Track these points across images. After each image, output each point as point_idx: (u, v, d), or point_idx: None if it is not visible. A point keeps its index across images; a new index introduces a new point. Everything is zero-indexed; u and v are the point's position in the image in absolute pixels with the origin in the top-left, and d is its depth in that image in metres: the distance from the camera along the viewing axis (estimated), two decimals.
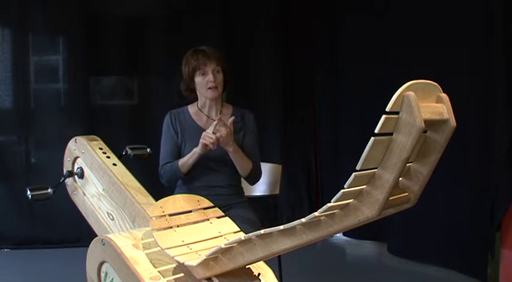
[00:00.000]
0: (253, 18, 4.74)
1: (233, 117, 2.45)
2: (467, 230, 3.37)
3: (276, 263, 2.84)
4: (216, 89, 2.52)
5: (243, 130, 2.60)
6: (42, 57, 4.53)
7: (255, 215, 2.56)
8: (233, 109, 2.64)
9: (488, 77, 3.19)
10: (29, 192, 2.15)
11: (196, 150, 2.43)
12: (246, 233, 1.48)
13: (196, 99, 2.63)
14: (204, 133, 2.40)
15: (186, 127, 2.58)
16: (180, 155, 2.56)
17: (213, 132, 2.39)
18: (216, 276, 1.47)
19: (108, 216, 2.00)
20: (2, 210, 4.35)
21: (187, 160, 2.48)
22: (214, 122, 2.40)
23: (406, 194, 1.29)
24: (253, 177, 2.60)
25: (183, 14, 4.60)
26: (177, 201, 1.73)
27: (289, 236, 1.29)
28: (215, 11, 4.64)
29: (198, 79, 2.52)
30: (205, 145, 2.39)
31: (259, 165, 2.63)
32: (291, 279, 2.90)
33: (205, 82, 2.51)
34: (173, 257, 1.51)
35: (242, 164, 2.52)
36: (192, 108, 2.64)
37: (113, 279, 1.65)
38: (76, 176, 2.17)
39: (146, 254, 1.64)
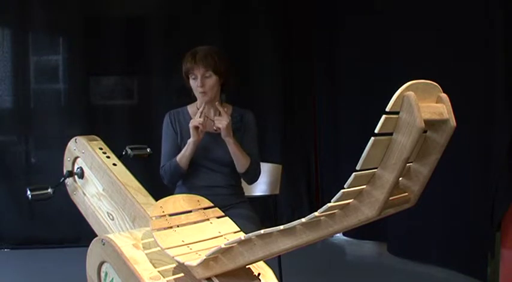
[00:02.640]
0: (253, 18, 4.74)
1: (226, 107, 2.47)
2: (467, 230, 3.37)
3: (276, 263, 2.84)
4: (205, 94, 2.51)
5: (242, 130, 2.60)
6: (42, 57, 4.53)
7: (255, 214, 2.56)
8: (233, 109, 2.65)
9: (488, 77, 3.19)
10: (29, 192, 2.15)
11: (190, 140, 2.46)
12: (246, 230, 1.48)
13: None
14: (191, 121, 2.45)
15: (185, 127, 2.58)
16: None
17: (211, 120, 2.45)
18: (216, 276, 1.47)
19: (108, 216, 2.00)
20: (2, 210, 4.35)
21: (183, 152, 2.49)
22: (201, 108, 2.46)
23: (406, 194, 1.29)
24: (252, 175, 2.59)
25: (183, 14, 4.60)
26: (177, 201, 1.73)
27: (289, 236, 1.29)
28: (215, 11, 4.64)
29: (191, 82, 2.55)
30: (195, 128, 2.43)
31: (259, 164, 2.63)
32: (291, 279, 2.90)
33: (195, 86, 2.52)
34: (173, 257, 1.51)
35: (241, 158, 2.51)
36: (191, 108, 2.64)
37: (113, 279, 1.65)
38: (76, 176, 2.17)
39: (146, 254, 1.64)
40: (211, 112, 2.61)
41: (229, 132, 2.44)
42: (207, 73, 2.50)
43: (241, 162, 2.52)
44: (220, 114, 2.49)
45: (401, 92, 1.09)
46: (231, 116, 2.60)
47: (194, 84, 2.52)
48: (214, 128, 2.57)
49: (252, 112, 2.67)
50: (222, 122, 2.43)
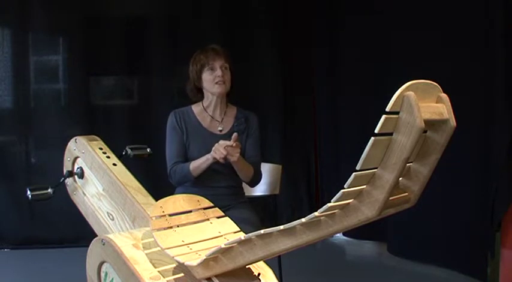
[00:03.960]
0: (253, 18, 4.74)
1: (235, 134, 2.41)
2: (467, 230, 3.37)
3: (276, 263, 2.84)
4: (224, 85, 2.54)
5: (246, 132, 2.61)
6: (42, 57, 4.53)
7: (255, 215, 2.56)
8: (237, 111, 2.65)
9: (488, 77, 3.19)
10: (29, 192, 2.15)
11: (210, 158, 2.43)
12: (245, 233, 1.48)
13: (201, 99, 2.64)
14: (216, 146, 2.38)
15: (191, 127, 2.58)
16: (186, 154, 2.57)
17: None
18: (216, 276, 1.47)
19: (108, 216, 2.00)
20: (2, 210, 4.35)
21: (199, 165, 2.47)
22: (229, 143, 2.36)
23: (406, 194, 1.29)
24: (255, 180, 2.62)
25: (183, 14, 4.60)
26: (177, 201, 1.73)
27: (289, 236, 1.29)
28: (215, 11, 4.64)
29: (205, 75, 2.53)
30: (215, 159, 2.41)
31: (260, 168, 2.64)
32: (291, 279, 2.90)
33: (213, 77, 2.52)
34: (173, 257, 1.51)
35: (244, 171, 2.53)
36: (196, 108, 2.64)
37: (113, 279, 1.65)
38: (76, 176, 2.17)
39: (146, 254, 1.64)
40: (217, 113, 2.61)
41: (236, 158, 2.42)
42: (225, 65, 2.54)
43: (245, 174, 2.55)
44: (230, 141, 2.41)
45: (401, 92, 1.09)
46: (236, 117, 2.62)
47: (211, 76, 2.52)
48: (220, 128, 2.58)
49: (256, 115, 2.68)
50: (233, 158, 2.39)
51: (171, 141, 2.59)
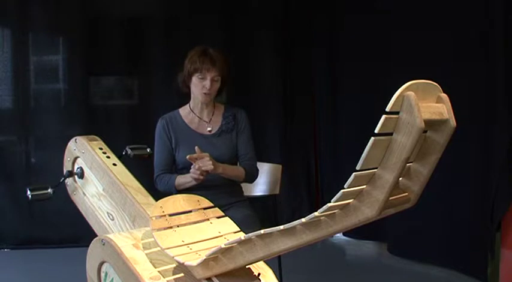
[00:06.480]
0: (254, 18, 4.74)
1: (196, 147, 2.42)
2: (467, 230, 3.37)
3: (276, 263, 2.84)
4: (209, 95, 2.56)
5: (235, 129, 2.62)
6: (42, 57, 4.53)
7: (255, 214, 2.57)
8: (225, 109, 2.67)
9: (488, 77, 3.19)
10: (29, 192, 2.15)
11: (193, 181, 2.46)
12: (245, 233, 1.48)
13: (189, 94, 2.65)
14: (191, 171, 2.42)
15: (179, 131, 2.60)
16: (174, 161, 2.60)
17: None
18: (216, 276, 1.47)
19: (108, 216, 2.00)
20: (2, 210, 4.35)
21: (184, 183, 2.51)
22: (195, 155, 2.39)
23: (406, 194, 1.29)
24: (249, 178, 2.64)
25: (183, 14, 4.60)
26: (177, 201, 1.73)
27: (289, 236, 1.29)
28: (215, 11, 4.64)
29: (195, 80, 2.54)
30: (196, 179, 2.43)
31: (255, 164, 2.65)
32: (291, 279, 2.90)
33: (201, 86, 2.53)
34: (173, 257, 1.51)
35: (235, 175, 2.57)
36: (183, 111, 2.66)
37: (113, 279, 1.65)
38: (76, 176, 2.17)
39: (146, 254, 1.64)
40: (204, 114, 2.63)
41: (216, 168, 2.44)
42: (216, 77, 2.53)
43: (237, 177, 2.58)
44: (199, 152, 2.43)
45: (401, 92, 1.09)
46: (223, 115, 2.64)
47: (200, 84, 2.53)
48: (209, 128, 2.59)
49: (244, 110, 2.69)
50: (207, 167, 2.40)
51: (158, 150, 2.62)
